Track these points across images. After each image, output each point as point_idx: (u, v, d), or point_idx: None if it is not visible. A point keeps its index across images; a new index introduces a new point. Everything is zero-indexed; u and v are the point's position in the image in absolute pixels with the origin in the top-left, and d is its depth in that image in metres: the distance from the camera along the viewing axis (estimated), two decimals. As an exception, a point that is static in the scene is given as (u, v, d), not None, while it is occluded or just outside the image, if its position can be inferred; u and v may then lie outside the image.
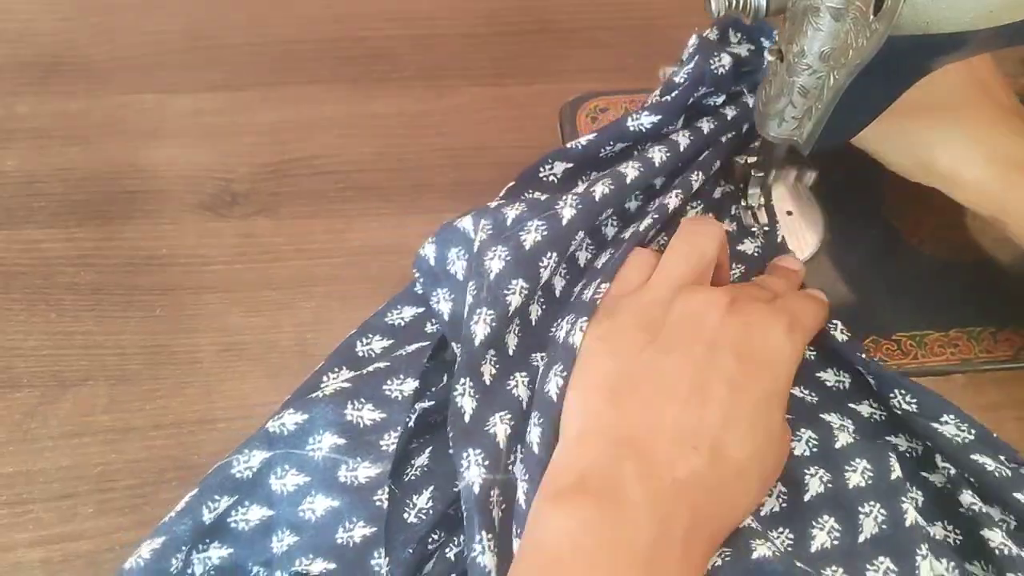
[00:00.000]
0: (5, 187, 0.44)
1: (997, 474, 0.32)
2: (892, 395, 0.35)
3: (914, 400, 0.34)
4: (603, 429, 0.29)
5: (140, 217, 0.43)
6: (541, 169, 0.40)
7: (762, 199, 0.43)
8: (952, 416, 0.34)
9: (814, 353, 0.38)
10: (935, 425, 0.34)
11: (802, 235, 0.43)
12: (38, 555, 0.33)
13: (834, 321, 0.38)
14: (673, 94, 0.41)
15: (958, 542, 0.33)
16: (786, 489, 0.33)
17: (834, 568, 0.30)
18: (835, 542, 0.31)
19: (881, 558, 0.31)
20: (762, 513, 0.32)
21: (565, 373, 0.32)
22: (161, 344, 0.39)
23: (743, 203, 0.43)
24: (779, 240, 0.42)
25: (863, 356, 0.36)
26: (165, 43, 0.51)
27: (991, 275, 0.42)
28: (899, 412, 0.35)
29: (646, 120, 0.41)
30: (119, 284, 0.41)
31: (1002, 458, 0.33)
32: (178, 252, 0.42)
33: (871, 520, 0.31)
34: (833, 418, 0.35)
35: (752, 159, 0.42)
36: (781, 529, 0.32)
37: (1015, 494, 0.32)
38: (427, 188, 0.45)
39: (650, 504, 0.27)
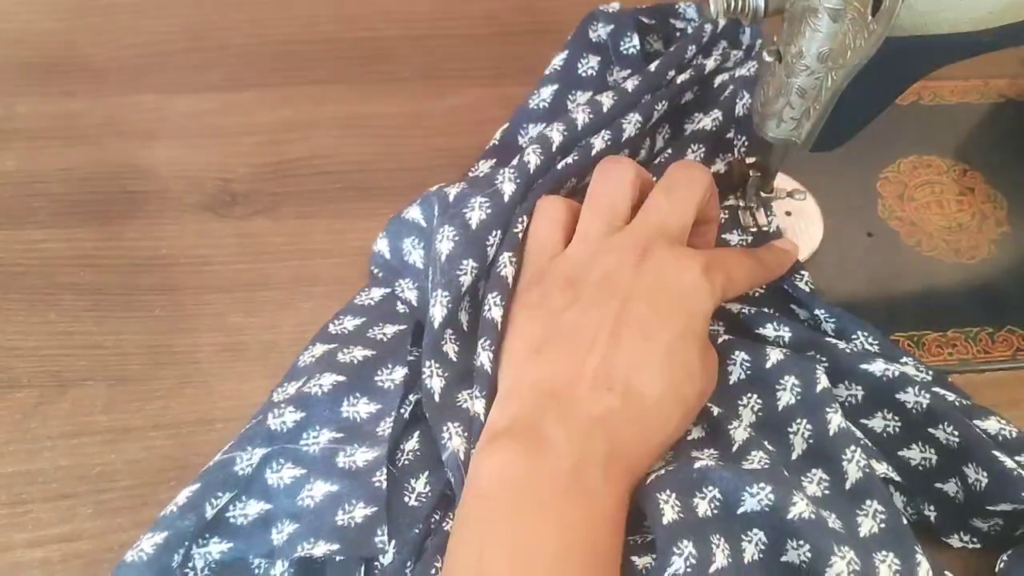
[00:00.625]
0: (5, 187, 0.44)
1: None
2: (855, 336, 0.37)
3: (876, 342, 0.37)
4: (528, 383, 0.32)
5: (140, 217, 0.43)
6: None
7: (761, 199, 0.43)
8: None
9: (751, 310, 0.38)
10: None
11: (801, 235, 0.43)
12: (37, 555, 0.33)
13: (802, 272, 0.39)
14: (560, 63, 0.45)
15: (897, 430, 0.35)
16: (722, 410, 0.34)
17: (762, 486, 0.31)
18: (766, 465, 0.32)
19: (814, 470, 0.33)
20: (689, 437, 0.34)
21: (491, 345, 0.33)
22: (161, 344, 0.39)
23: (742, 203, 0.43)
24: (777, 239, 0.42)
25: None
26: (165, 43, 0.52)
27: (989, 275, 0.42)
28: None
29: (545, 93, 0.45)
30: (119, 284, 0.41)
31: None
32: (178, 252, 0.42)
33: (799, 437, 0.34)
34: (768, 330, 0.37)
35: (751, 159, 0.42)
36: (711, 451, 0.33)
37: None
38: (427, 188, 0.44)
39: (568, 439, 0.29)
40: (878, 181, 0.46)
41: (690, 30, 0.46)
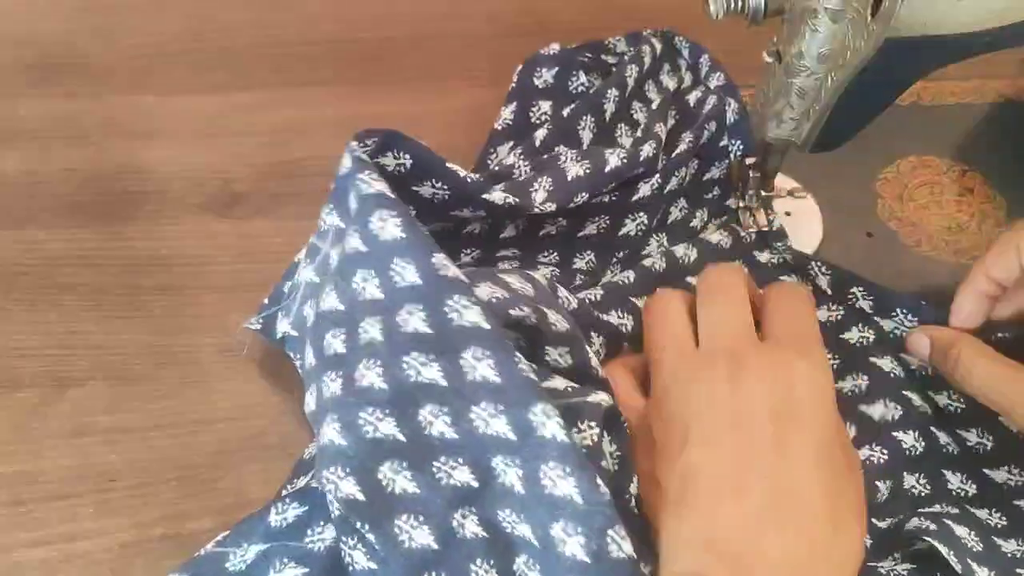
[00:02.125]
0: (7, 187, 0.44)
1: None
2: (894, 314, 0.37)
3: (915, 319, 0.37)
4: (680, 538, 0.28)
5: (141, 217, 0.43)
6: None
7: (761, 199, 0.43)
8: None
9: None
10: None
11: (800, 236, 0.43)
12: (38, 555, 0.33)
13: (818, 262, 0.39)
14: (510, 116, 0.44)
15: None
16: None
17: None
18: None
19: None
20: None
21: (568, 470, 0.27)
22: (162, 344, 0.39)
23: (742, 204, 0.43)
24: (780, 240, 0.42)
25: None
26: (166, 44, 0.52)
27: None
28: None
29: (506, 113, 0.44)
30: (120, 284, 0.41)
31: None
32: (179, 252, 0.42)
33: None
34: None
35: (751, 160, 0.42)
36: None
37: None
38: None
39: None
40: (878, 181, 0.46)
41: (627, 58, 0.45)
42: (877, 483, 0.33)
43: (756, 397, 0.29)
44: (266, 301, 0.38)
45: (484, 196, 0.35)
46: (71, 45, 0.51)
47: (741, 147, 0.43)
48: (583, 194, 0.37)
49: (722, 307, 0.32)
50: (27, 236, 0.42)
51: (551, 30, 0.53)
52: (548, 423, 0.27)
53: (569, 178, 0.37)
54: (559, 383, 0.31)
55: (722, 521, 0.27)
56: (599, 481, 0.26)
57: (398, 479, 0.29)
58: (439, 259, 0.29)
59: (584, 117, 0.42)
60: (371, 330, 0.30)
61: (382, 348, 0.29)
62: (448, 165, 0.34)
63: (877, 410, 0.35)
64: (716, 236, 0.41)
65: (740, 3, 0.33)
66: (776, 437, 0.28)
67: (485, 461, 0.28)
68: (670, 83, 0.45)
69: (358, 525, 0.28)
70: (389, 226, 0.29)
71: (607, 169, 0.37)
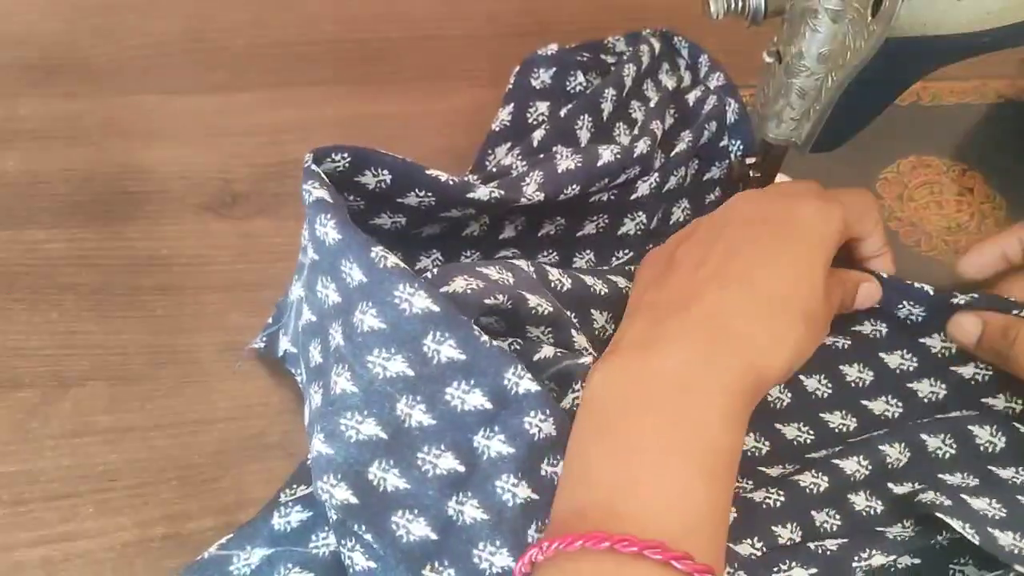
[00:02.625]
0: (7, 188, 0.44)
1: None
2: (900, 307, 0.37)
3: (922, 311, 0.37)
4: (646, 303, 0.32)
5: (141, 217, 0.43)
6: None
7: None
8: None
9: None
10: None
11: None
12: (39, 554, 0.33)
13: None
14: (508, 118, 0.44)
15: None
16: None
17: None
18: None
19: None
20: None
21: (548, 412, 0.29)
22: (162, 344, 0.39)
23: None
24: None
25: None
26: (166, 44, 0.52)
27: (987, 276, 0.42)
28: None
29: (504, 115, 0.44)
30: (120, 284, 0.41)
31: None
32: (179, 252, 0.42)
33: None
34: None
35: (751, 160, 0.42)
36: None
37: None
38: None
39: (676, 337, 0.29)
40: (877, 181, 0.46)
41: (625, 57, 0.45)
42: (882, 447, 0.34)
43: (768, 214, 0.33)
44: (270, 320, 0.39)
45: (469, 195, 0.35)
46: (71, 45, 0.51)
47: (741, 147, 0.43)
48: (574, 187, 0.37)
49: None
50: (27, 236, 0.42)
51: (551, 30, 0.53)
52: (521, 382, 0.28)
53: (560, 171, 0.37)
54: (548, 351, 0.32)
55: (679, 276, 0.32)
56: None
57: (388, 477, 0.29)
58: (377, 252, 0.29)
59: (582, 117, 0.42)
60: (336, 335, 0.30)
61: (346, 351, 0.30)
62: (428, 172, 0.34)
63: (894, 360, 0.36)
64: None
65: (740, 3, 0.33)
66: (767, 243, 0.32)
67: (466, 443, 0.29)
68: (668, 82, 0.45)
69: (356, 528, 0.29)
70: (330, 230, 0.30)
71: (599, 163, 0.37)
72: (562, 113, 0.42)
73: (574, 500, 0.27)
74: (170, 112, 0.48)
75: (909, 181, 0.46)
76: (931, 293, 0.37)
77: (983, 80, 0.51)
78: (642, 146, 0.39)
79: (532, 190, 0.36)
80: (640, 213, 0.40)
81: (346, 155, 0.33)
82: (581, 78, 0.45)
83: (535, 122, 0.44)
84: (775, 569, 0.30)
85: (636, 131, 0.42)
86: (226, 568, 0.31)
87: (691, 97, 0.44)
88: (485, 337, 0.28)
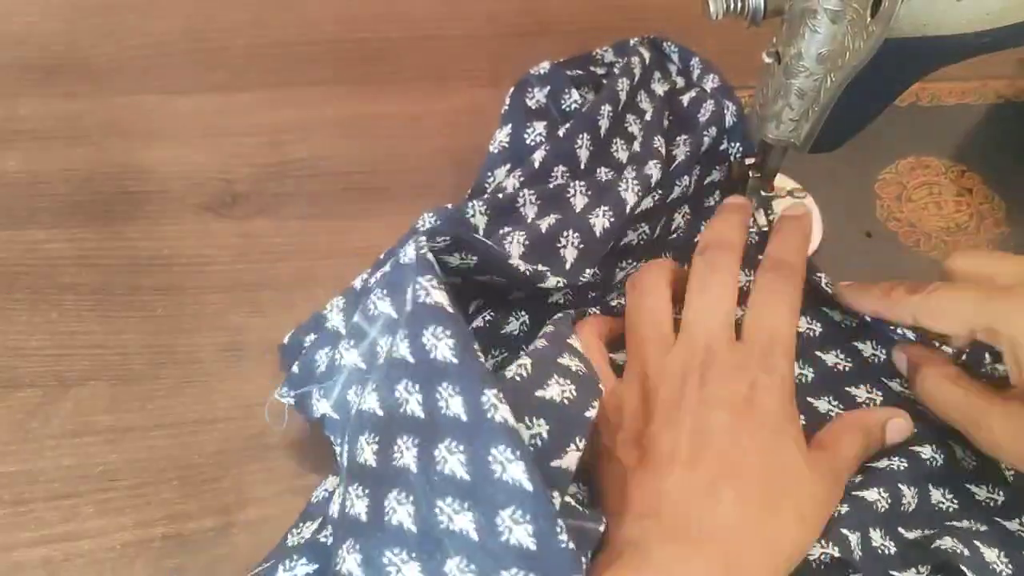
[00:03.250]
0: (8, 187, 0.44)
1: None
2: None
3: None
4: (625, 501, 0.30)
5: (142, 217, 0.43)
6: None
7: (760, 200, 0.43)
8: None
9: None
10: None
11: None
12: (39, 554, 0.33)
13: (818, 274, 0.38)
14: (506, 139, 0.43)
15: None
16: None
17: None
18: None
19: None
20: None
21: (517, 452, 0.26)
22: (162, 344, 0.39)
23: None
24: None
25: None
26: (166, 44, 0.52)
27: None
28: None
29: (501, 136, 0.43)
30: (121, 284, 0.41)
31: None
32: (180, 252, 0.42)
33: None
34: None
35: (750, 161, 0.42)
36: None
37: None
38: (428, 189, 0.45)
39: (673, 559, 0.28)
40: (876, 182, 0.46)
41: (616, 70, 0.45)
42: (901, 486, 0.33)
43: (719, 393, 0.31)
44: (296, 370, 0.35)
45: (539, 286, 0.35)
46: (72, 45, 0.51)
47: (740, 149, 0.43)
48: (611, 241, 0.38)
49: (708, 298, 0.34)
50: (28, 236, 0.42)
51: (551, 30, 0.53)
52: (510, 466, 0.25)
53: (597, 234, 0.37)
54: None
55: (669, 489, 0.29)
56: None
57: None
58: (490, 396, 0.26)
59: (580, 136, 0.42)
60: (404, 453, 0.28)
61: (416, 483, 0.27)
62: (510, 262, 0.34)
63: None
64: None
65: (739, 4, 0.33)
66: (731, 425, 0.30)
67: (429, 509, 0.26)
68: (660, 90, 0.45)
69: None
70: (442, 346, 0.27)
71: (627, 209, 0.38)
72: (560, 133, 0.42)
73: None
74: (170, 112, 0.48)
75: (908, 182, 0.46)
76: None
77: (982, 81, 0.51)
78: (655, 172, 0.39)
79: (572, 257, 0.36)
80: (643, 224, 0.40)
81: (448, 239, 0.32)
82: (576, 95, 0.45)
83: (533, 143, 0.43)
84: None
85: (637, 147, 0.42)
86: None
87: (685, 99, 0.44)
88: (565, 536, 0.25)
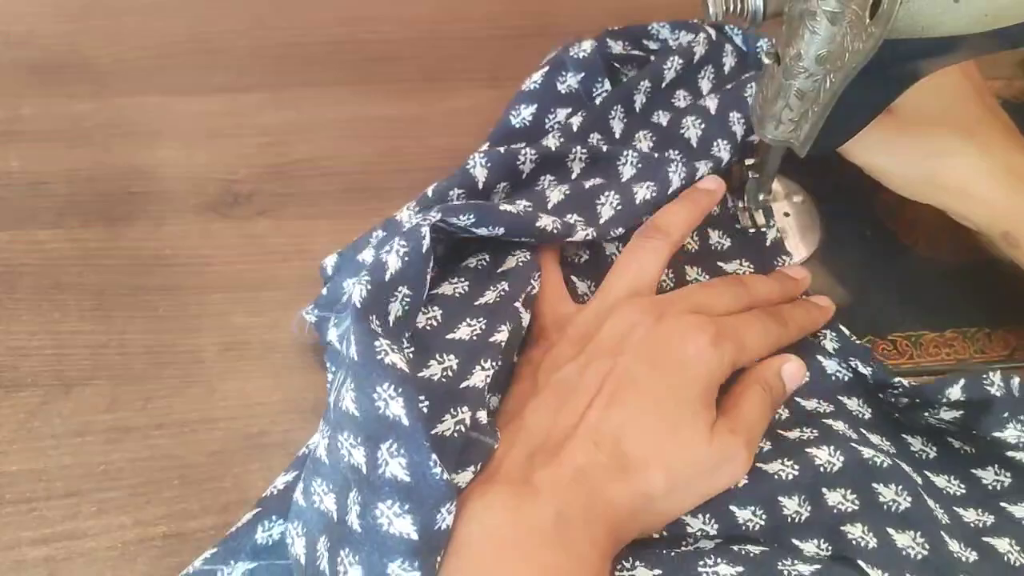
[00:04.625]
0: (10, 188, 0.44)
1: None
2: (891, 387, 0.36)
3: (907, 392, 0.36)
4: (523, 434, 0.31)
5: (144, 218, 0.44)
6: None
7: (759, 200, 0.43)
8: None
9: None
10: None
11: (799, 236, 0.43)
12: (41, 553, 0.33)
13: (823, 331, 0.38)
14: (536, 83, 0.44)
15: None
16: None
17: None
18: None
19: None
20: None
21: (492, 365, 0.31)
22: (164, 344, 0.39)
23: (740, 204, 0.43)
24: (775, 240, 0.42)
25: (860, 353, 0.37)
26: (168, 46, 0.52)
27: (986, 276, 0.42)
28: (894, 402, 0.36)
29: (526, 112, 0.43)
30: (123, 284, 0.41)
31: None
32: (181, 253, 0.42)
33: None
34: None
35: (749, 161, 0.42)
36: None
37: None
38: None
39: (553, 488, 0.29)
40: (874, 181, 0.46)
41: (673, 45, 0.45)
42: (782, 499, 0.32)
43: (649, 346, 0.33)
44: (324, 292, 0.38)
45: (567, 240, 0.36)
46: (74, 46, 0.51)
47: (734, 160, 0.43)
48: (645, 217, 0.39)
49: (625, 270, 0.36)
50: (30, 236, 0.43)
51: (551, 32, 0.53)
52: (392, 403, 0.28)
53: (637, 202, 0.38)
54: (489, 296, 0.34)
55: (557, 416, 0.31)
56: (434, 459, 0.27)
57: (326, 555, 0.29)
58: (382, 343, 0.29)
59: (615, 107, 0.42)
60: (337, 395, 0.30)
61: (331, 420, 0.30)
62: (537, 224, 0.35)
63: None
64: (715, 236, 0.42)
65: (739, 5, 0.33)
66: (642, 377, 0.32)
67: (380, 568, 0.27)
68: (707, 84, 0.45)
69: None
70: (355, 293, 0.31)
71: (670, 191, 0.39)
72: (597, 102, 0.42)
73: None
74: (172, 113, 0.48)
75: (908, 182, 0.46)
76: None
77: (981, 82, 0.51)
78: (704, 170, 0.40)
79: (608, 215, 0.38)
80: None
81: (471, 216, 0.34)
82: (607, 84, 0.44)
83: (550, 128, 0.44)
84: (701, 564, 0.30)
85: (695, 132, 0.42)
86: None
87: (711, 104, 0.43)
88: (437, 469, 0.27)
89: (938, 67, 0.34)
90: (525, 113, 0.44)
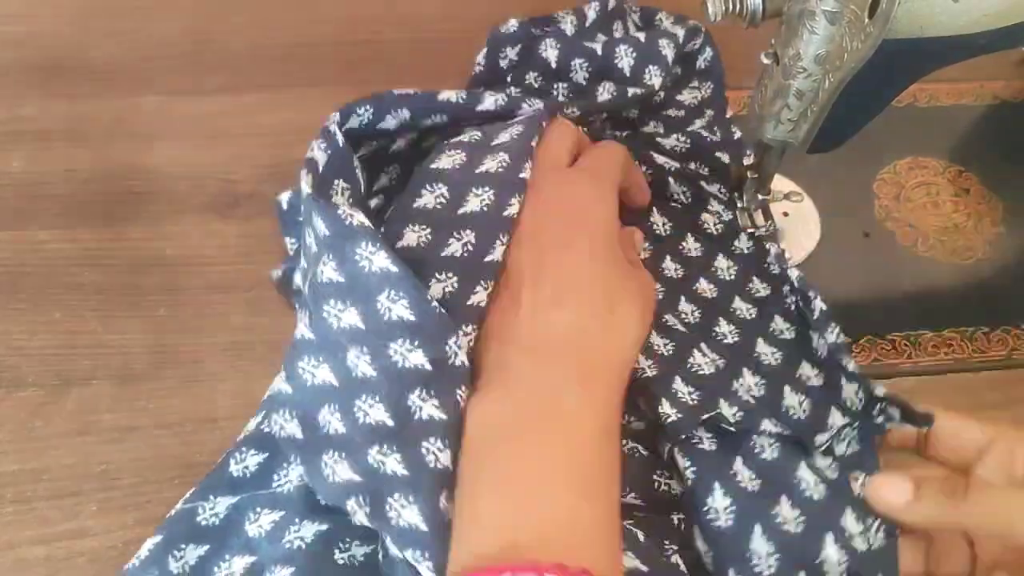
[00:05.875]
0: (11, 188, 0.45)
1: None
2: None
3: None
4: (490, 333, 0.32)
5: (144, 218, 0.44)
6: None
7: (758, 201, 0.43)
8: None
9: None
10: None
11: (798, 236, 0.43)
12: (42, 552, 0.33)
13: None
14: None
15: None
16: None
17: None
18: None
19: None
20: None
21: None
22: (165, 344, 0.39)
23: (740, 204, 0.43)
24: (775, 241, 0.42)
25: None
26: (168, 46, 0.52)
27: (985, 275, 0.43)
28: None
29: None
30: (123, 284, 0.41)
31: None
32: (182, 252, 0.42)
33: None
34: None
35: (748, 161, 0.42)
36: None
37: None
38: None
39: (533, 366, 0.30)
40: (874, 182, 0.46)
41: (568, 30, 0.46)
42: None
43: (552, 206, 0.34)
44: (291, 253, 0.40)
45: (478, 108, 0.37)
46: (75, 47, 0.51)
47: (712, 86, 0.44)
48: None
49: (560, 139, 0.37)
50: (31, 236, 0.43)
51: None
52: (460, 353, 0.29)
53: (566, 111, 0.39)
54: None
55: (523, 309, 0.31)
56: None
57: (332, 420, 0.30)
58: (344, 210, 0.30)
59: (546, 41, 0.44)
60: (306, 282, 0.32)
61: (309, 299, 0.31)
62: (439, 97, 0.37)
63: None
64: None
65: (738, 5, 0.33)
66: (564, 237, 0.33)
67: (401, 400, 0.29)
68: (619, 33, 0.46)
69: (293, 460, 0.31)
70: (304, 186, 0.32)
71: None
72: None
73: (470, 541, 0.27)
74: (172, 113, 0.48)
75: (906, 182, 0.47)
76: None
77: (979, 82, 0.51)
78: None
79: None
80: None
81: (368, 107, 0.36)
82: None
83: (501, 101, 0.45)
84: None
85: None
86: (192, 520, 0.31)
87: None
88: (436, 303, 0.29)
89: (937, 67, 0.34)
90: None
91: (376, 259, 0.29)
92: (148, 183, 0.45)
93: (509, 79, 0.45)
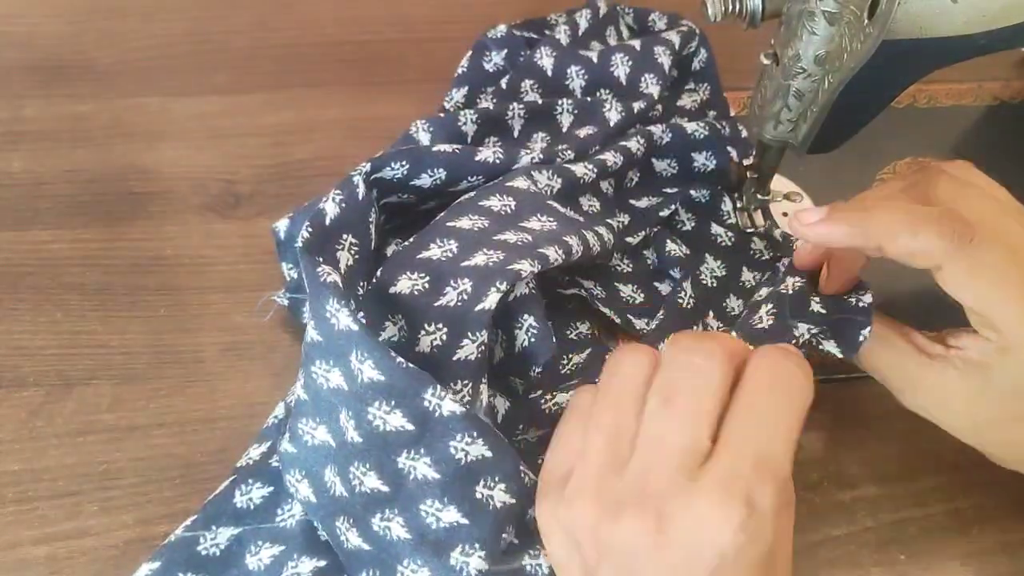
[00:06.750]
0: (12, 188, 0.45)
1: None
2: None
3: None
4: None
5: (145, 218, 0.44)
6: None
7: (758, 201, 0.43)
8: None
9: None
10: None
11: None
12: (43, 552, 0.33)
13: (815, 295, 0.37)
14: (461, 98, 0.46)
15: None
16: None
17: None
18: None
19: None
20: None
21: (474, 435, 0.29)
22: (165, 344, 0.39)
23: (739, 205, 0.43)
24: (777, 240, 0.42)
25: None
26: (170, 47, 0.52)
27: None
28: None
29: (458, 95, 0.46)
30: (124, 284, 0.41)
31: None
32: (182, 253, 0.42)
33: None
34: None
35: (748, 161, 0.42)
36: None
37: None
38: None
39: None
40: (874, 183, 0.46)
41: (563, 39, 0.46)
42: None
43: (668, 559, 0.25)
44: (295, 275, 0.39)
45: (516, 166, 0.37)
46: (76, 47, 0.51)
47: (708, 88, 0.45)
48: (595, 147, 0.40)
49: (671, 420, 0.26)
50: (32, 236, 0.43)
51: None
52: (443, 404, 0.28)
53: (582, 136, 0.39)
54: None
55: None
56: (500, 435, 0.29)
57: (336, 481, 0.30)
58: (323, 269, 0.29)
59: (524, 81, 0.44)
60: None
61: (303, 359, 0.31)
62: (477, 158, 0.36)
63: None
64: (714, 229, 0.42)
65: (738, 5, 0.33)
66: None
67: (390, 464, 0.28)
68: (613, 40, 0.47)
69: (313, 522, 0.31)
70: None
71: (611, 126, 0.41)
72: (503, 84, 0.44)
73: None
74: (173, 114, 0.49)
75: (906, 182, 0.46)
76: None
77: (979, 82, 0.51)
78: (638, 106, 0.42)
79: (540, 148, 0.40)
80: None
81: (404, 163, 0.35)
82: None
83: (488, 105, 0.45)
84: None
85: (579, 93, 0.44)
86: (193, 549, 0.31)
87: (637, 42, 0.44)
88: (400, 359, 0.28)
89: (936, 68, 0.34)
90: (457, 96, 0.46)
91: (341, 317, 0.28)
92: (149, 183, 0.45)
93: (504, 84, 0.45)
